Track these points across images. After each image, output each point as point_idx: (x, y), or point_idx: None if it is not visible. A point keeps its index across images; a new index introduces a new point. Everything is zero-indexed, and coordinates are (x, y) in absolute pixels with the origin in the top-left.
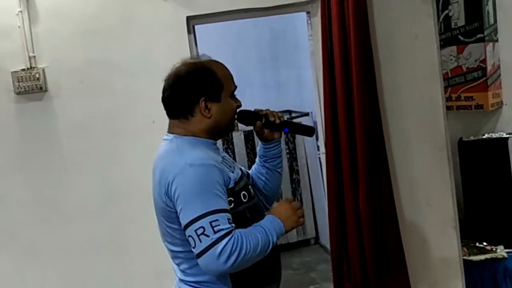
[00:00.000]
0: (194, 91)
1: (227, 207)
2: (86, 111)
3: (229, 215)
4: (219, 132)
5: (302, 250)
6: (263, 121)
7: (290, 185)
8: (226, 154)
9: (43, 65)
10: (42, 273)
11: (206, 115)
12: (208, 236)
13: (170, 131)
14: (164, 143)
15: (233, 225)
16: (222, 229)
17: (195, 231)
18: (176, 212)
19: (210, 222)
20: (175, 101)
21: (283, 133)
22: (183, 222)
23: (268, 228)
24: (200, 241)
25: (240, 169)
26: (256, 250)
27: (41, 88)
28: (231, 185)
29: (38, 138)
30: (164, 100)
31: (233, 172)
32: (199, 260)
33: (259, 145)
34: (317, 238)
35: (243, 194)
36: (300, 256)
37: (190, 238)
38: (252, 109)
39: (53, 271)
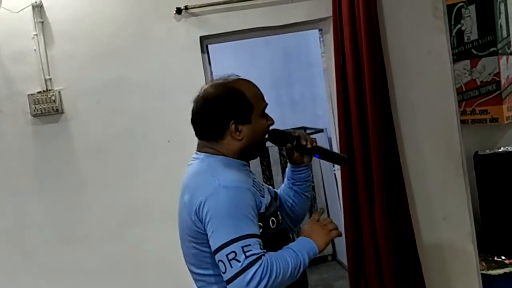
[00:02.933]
0: (224, 115)
1: (258, 232)
2: (102, 132)
3: (260, 241)
4: (250, 153)
5: (320, 267)
6: (294, 144)
7: None
8: (256, 177)
9: (59, 87)
10: None
11: (237, 138)
12: (239, 261)
13: (200, 150)
14: (195, 161)
15: (264, 250)
16: (254, 254)
17: (227, 255)
18: (205, 234)
19: (242, 247)
20: (204, 125)
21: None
22: (214, 245)
23: (298, 249)
24: (231, 267)
25: (269, 191)
26: (286, 274)
27: (57, 110)
28: (262, 210)
29: (55, 159)
30: (193, 122)
31: (263, 197)
32: (229, 286)
33: (287, 166)
34: (334, 254)
35: (272, 220)
36: (318, 272)
37: (220, 263)
38: (285, 130)
39: None
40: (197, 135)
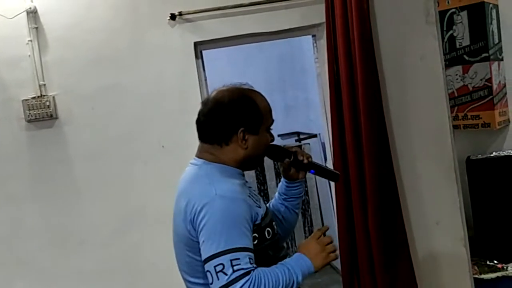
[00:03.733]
0: (235, 120)
1: (250, 246)
2: (97, 137)
3: (251, 255)
4: (249, 164)
5: None
6: (291, 159)
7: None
8: (252, 186)
9: (53, 93)
10: None
11: (242, 146)
12: (226, 274)
13: (199, 155)
14: (192, 168)
15: (254, 265)
16: (242, 269)
17: (215, 267)
18: (199, 243)
19: (231, 260)
20: (213, 127)
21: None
22: (204, 255)
23: (293, 267)
24: (218, 279)
25: (265, 204)
26: None
27: (51, 115)
28: (258, 221)
29: (50, 165)
30: (200, 124)
31: (259, 207)
32: None
33: (281, 182)
34: None
35: (268, 231)
36: (312, 277)
37: (208, 273)
38: (282, 145)
39: None
40: (201, 137)
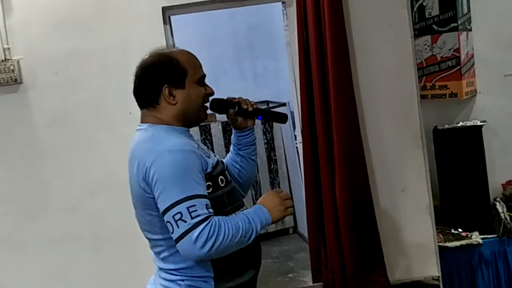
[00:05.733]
0: (157, 79)
1: (205, 192)
2: (62, 103)
3: (207, 201)
4: (190, 119)
5: (281, 239)
6: (236, 109)
7: (268, 175)
8: (200, 143)
9: (18, 57)
10: (21, 265)
11: (171, 102)
12: (185, 221)
13: (143, 120)
14: (139, 132)
15: (211, 210)
16: (199, 215)
17: (173, 216)
18: (154, 198)
19: (188, 208)
20: (141, 91)
21: (257, 120)
22: (161, 207)
23: (252, 216)
24: (178, 227)
25: (215, 156)
26: (236, 238)
27: (16, 80)
28: (209, 169)
29: (14, 130)
30: (133, 91)
31: (209, 158)
32: (178, 246)
33: (233, 133)
34: (295, 227)
35: (221, 179)
36: (279, 245)
37: (168, 224)
38: (225, 98)
39: (32, 263)
40: (138, 104)
